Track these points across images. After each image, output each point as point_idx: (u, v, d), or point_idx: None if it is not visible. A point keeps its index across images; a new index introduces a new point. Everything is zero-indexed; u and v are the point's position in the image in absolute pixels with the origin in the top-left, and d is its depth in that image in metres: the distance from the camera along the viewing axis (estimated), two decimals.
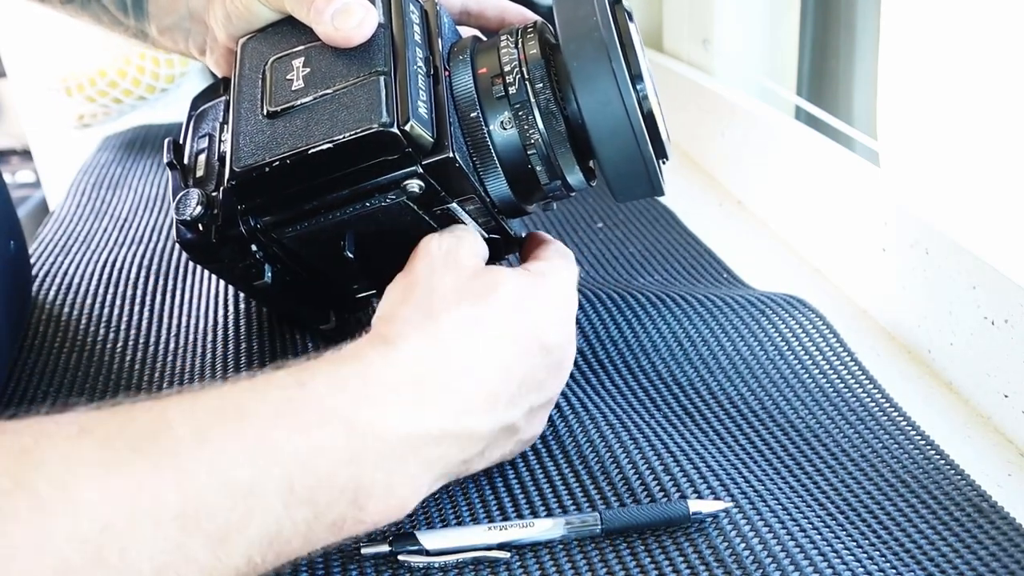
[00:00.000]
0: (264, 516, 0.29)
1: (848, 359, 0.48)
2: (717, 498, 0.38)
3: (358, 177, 0.39)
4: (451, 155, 0.38)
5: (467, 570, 0.37)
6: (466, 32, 0.47)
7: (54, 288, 0.60)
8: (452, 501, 0.40)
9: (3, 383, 0.49)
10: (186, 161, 0.46)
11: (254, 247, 0.42)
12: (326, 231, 0.41)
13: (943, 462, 0.41)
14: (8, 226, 0.53)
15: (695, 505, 0.37)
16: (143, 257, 0.63)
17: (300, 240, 0.41)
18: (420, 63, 0.40)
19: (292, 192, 0.40)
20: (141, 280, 0.60)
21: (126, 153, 0.88)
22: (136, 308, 0.57)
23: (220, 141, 0.44)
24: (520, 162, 0.41)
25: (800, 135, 0.63)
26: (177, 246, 0.47)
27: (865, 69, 0.74)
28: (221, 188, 0.42)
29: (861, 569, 0.35)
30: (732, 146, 0.73)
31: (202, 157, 0.44)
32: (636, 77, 0.39)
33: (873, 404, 0.45)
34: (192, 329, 0.54)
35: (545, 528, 0.37)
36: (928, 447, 0.42)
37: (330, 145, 0.37)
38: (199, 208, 0.41)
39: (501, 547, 0.37)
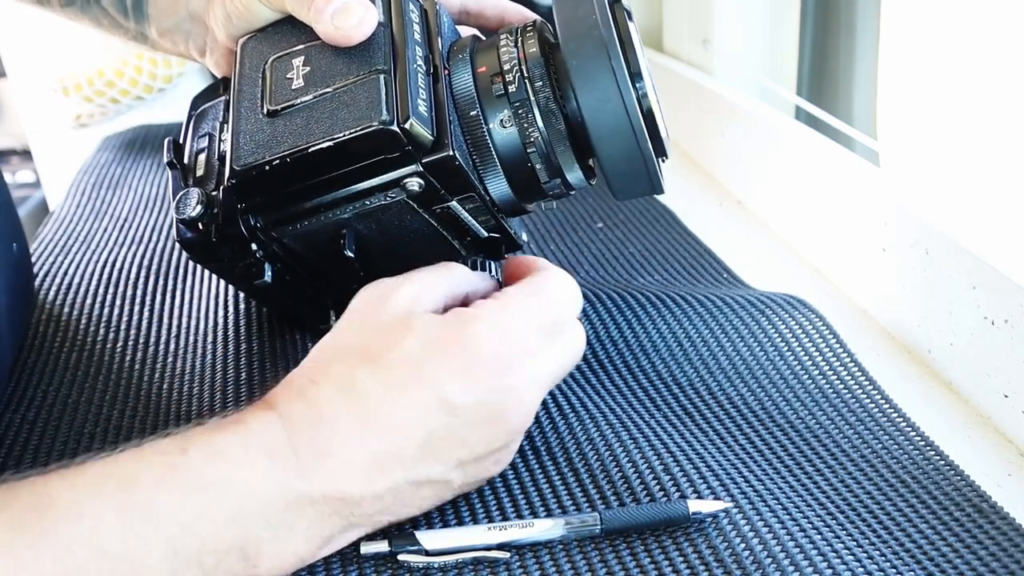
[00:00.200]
0: None
1: (848, 359, 0.48)
2: (717, 498, 0.38)
3: (358, 175, 0.39)
4: (451, 153, 0.38)
5: (467, 570, 0.37)
6: (465, 31, 0.47)
7: (54, 288, 0.60)
8: (452, 501, 0.40)
9: (4, 384, 0.49)
10: (186, 160, 0.46)
11: (254, 246, 0.42)
12: (326, 230, 0.41)
13: (943, 462, 0.41)
14: (10, 229, 0.53)
15: (695, 505, 0.37)
16: (143, 257, 0.63)
17: (300, 239, 0.41)
18: (420, 62, 0.40)
19: (292, 191, 0.40)
20: (141, 280, 0.60)
21: (126, 153, 0.88)
22: (136, 308, 0.57)
23: (220, 140, 0.44)
24: (520, 160, 0.41)
25: (800, 135, 0.63)
26: (177, 246, 0.47)
27: (865, 69, 0.75)
28: (221, 187, 0.42)
29: (861, 569, 0.35)
30: (732, 146, 0.73)
31: (202, 156, 0.44)
32: (635, 75, 0.39)
33: (873, 404, 0.45)
34: (192, 329, 0.54)
35: (545, 528, 0.37)
36: (928, 447, 0.42)
37: (330, 143, 0.37)
38: (199, 207, 0.41)
39: (501, 547, 0.37)
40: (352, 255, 0.41)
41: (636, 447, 0.41)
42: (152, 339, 0.54)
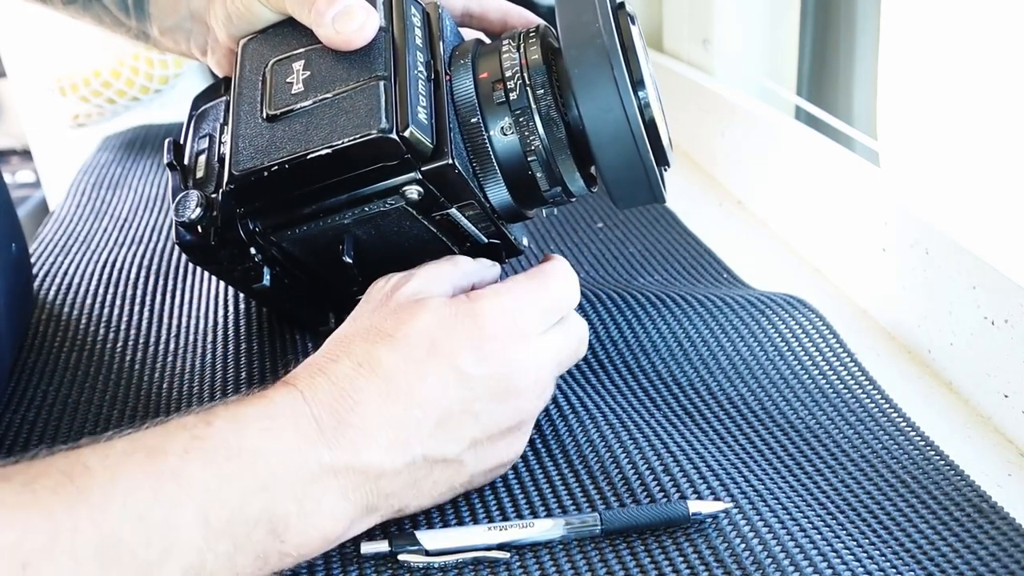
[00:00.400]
0: (184, 550, 0.30)
1: (848, 359, 0.48)
2: (717, 498, 0.38)
3: (357, 182, 0.39)
4: (450, 161, 0.38)
5: (467, 570, 0.37)
6: (469, 35, 0.47)
7: (54, 288, 0.60)
8: (452, 501, 0.40)
9: (4, 384, 0.49)
10: (186, 162, 0.46)
11: (253, 250, 0.42)
12: (325, 235, 0.41)
13: (943, 462, 0.42)
14: (9, 229, 0.53)
15: (695, 506, 0.37)
16: (143, 257, 0.63)
17: (299, 243, 0.41)
18: (421, 67, 0.40)
19: (291, 196, 0.39)
20: (141, 280, 0.60)
21: (126, 153, 0.88)
22: (136, 308, 0.57)
23: (220, 143, 0.44)
24: (520, 168, 0.41)
25: (800, 135, 0.63)
26: (177, 247, 0.47)
27: (865, 69, 0.75)
28: (220, 190, 0.42)
29: (861, 569, 0.35)
30: (732, 146, 0.73)
31: (202, 158, 0.44)
32: (638, 83, 0.39)
33: (873, 404, 0.45)
34: (192, 329, 0.54)
35: (545, 528, 0.37)
36: (928, 447, 0.42)
37: (329, 150, 0.37)
38: (198, 210, 0.41)
39: (501, 547, 0.37)
40: (351, 260, 0.41)
41: (636, 447, 0.41)
42: (152, 339, 0.54)
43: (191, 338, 0.53)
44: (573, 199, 0.44)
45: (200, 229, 0.42)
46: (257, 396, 0.35)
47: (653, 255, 0.63)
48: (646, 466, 0.40)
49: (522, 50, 0.41)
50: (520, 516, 0.39)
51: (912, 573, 0.36)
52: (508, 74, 0.40)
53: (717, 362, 0.49)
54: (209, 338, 0.53)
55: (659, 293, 0.53)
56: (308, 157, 0.37)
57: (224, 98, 0.47)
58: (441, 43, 0.42)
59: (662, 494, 0.39)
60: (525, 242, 0.48)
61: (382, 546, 0.37)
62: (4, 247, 0.51)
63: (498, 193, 0.42)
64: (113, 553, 0.29)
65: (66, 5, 0.51)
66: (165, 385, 0.49)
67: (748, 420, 0.45)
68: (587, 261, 0.62)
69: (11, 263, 0.52)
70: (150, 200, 0.75)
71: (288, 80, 0.40)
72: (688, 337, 0.50)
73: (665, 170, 0.42)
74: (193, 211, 0.41)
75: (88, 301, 0.58)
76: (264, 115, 0.39)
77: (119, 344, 0.54)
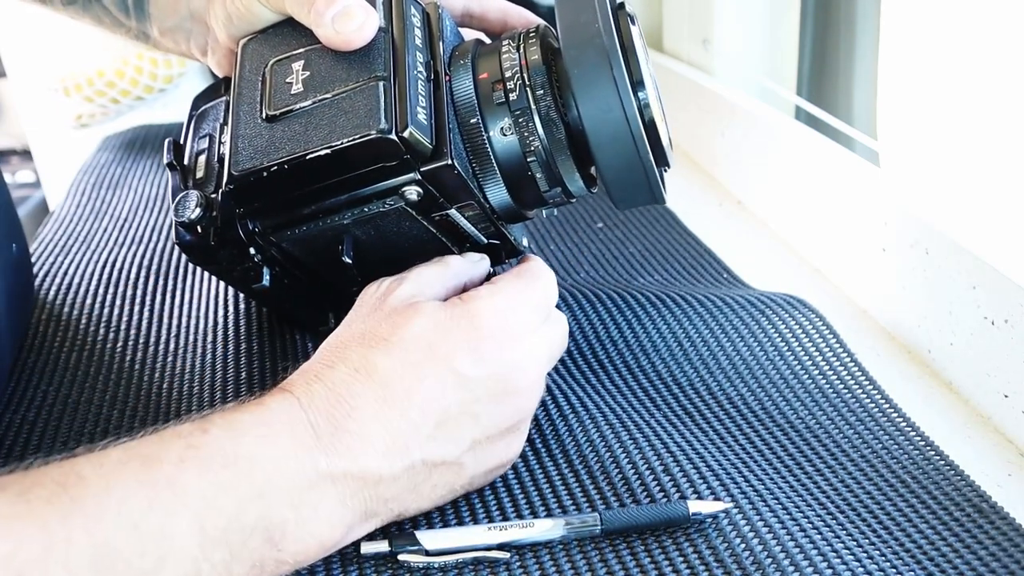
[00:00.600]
0: (180, 559, 0.30)
1: (848, 359, 0.48)
2: (717, 498, 0.38)
3: (356, 183, 0.39)
4: (450, 162, 0.38)
5: (467, 570, 0.37)
6: (469, 35, 0.47)
7: (54, 288, 0.60)
8: (452, 501, 0.40)
9: (4, 384, 0.49)
10: (186, 162, 0.45)
11: (252, 250, 0.42)
12: (324, 235, 0.41)
13: (943, 462, 0.42)
14: (10, 229, 0.53)
15: (695, 506, 0.37)
16: (143, 257, 0.63)
17: (298, 244, 0.41)
18: (420, 68, 0.40)
19: (290, 196, 0.39)
20: (141, 280, 0.60)
21: (126, 153, 0.88)
22: (136, 308, 0.57)
23: (220, 143, 0.44)
24: (520, 169, 0.41)
25: (800, 135, 0.63)
26: (177, 247, 0.47)
27: (865, 69, 0.75)
28: (220, 191, 0.42)
29: (861, 569, 0.35)
30: (732, 146, 0.73)
31: (202, 158, 0.44)
32: (638, 84, 0.39)
33: (873, 404, 0.45)
34: (192, 329, 0.54)
35: (545, 528, 0.37)
36: (928, 447, 0.42)
37: (328, 151, 0.37)
38: (198, 210, 0.41)
39: (501, 547, 0.37)
40: (350, 261, 0.41)
41: (636, 447, 0.41)
42: (152, 339, 0.54)
43: (191, 338, 0.53)
44: (573, 200, 0.44)
45: (200, 229, 0.42)
46: (253, 403, 0.35)
47: (653, 255, 0.63)
48: (646, 466, 0.40)
49: (522, 50, 0.41)
50: (520, 516, 0.39)
51: (912, 573, 0.36)
52: (508, 74, 0.40)
53: (717, 362, 0.49)
54: (209, 338, 0.53)
55: (659, 293, 0.53)
56: (307, 157, 0.37)
57: (224, 98, 0.47)
58: (441, 43, 0.42)
59: (662, 494, 0.39)
60: (525, 242, 0.47)
61: (382, 546, 0.37)
62: (4, 247, 0.51)
63: (497, 194, 0.42)
64: (108, 563, 0.28)
65: (66, 6, 0.51)
66: (165, 385, 0.49)
67: (748, 420, 0.45)
68: (587, 261, 0.62)
69: (11, 263, 0.52)
70: (150, 200, 0.75)
71: (288, 80, 0.40)
72: (688, 337, 0.50)
73: (665, 170, 0.42)
74: (193, 211, 0.41)
75: (88, 301, 0.58)
76: (263, 115, 0.39)
77: (119, 344, 0.54)
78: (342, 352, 0.37)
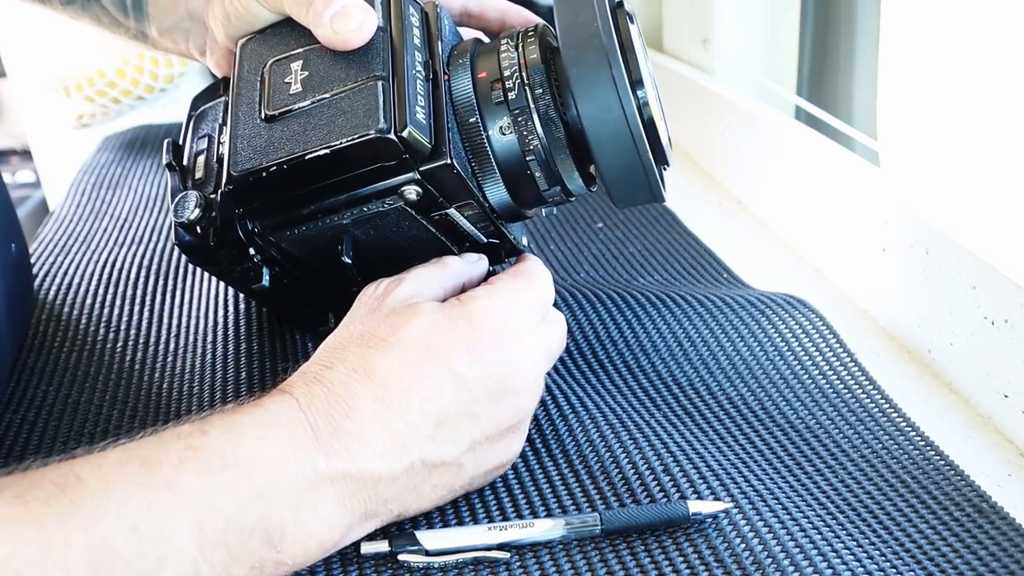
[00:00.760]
0: (178, 561, 0.30)
1: (848, 359, 0.48)
2: (717, 498, 0.38)
3: (355, 183, 0.39)
4: (449, 161, 0.38)
5: (467, 570, 0.37)
6: (467, 34, 0.47)
7: (54, 288, 0.60)
8: (452, 501, 0.40)
9: (4, 384, 0.49)
10: (185, 162, 0.45)
11: (252, 250, 0.42)
12: (324, 235, 0.41)
13: (943, 462, 0.41)
14: (9, 229, 0.53)
15: (695, 506, 0.37)
16: (143, 257, 0.63)
17: (298, 244, 0.41)
18: (419, 67, 0.40)
19: (289, 196, 0.39)
20: (141, 280, 0.60)
21: (126, 153, 0.88)
22: (136, 308, 0.57)
23: (219, 143, 0.44)
24: (519, 168, 0.41)
25: (800, 135, 0.63)
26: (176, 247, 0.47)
27: (865, 69, 0.75)
28: (219, 191, 0.42)
29: (861, 569, 0.35)
30: (732, 146, 0.73)
31: (201, 158, 0.44)
32: (637, 83, 0.39)
33: (873, 404, 0.45)
34: (192, 329, 0.54)
35: (545, 528, 0.37)
36: (928, 447, 0.42)
37: (327, 151, 0.37)
38: (197, 211, 0.41)
39: (501, 547, 0.37)
40: (350, 261, 0.41)
41: (636, 447, 0.41)
42: (152, 339, 0.54)
43: (191, 338, 0.53)
44: (572, 198, 0.44)
45: (199, 230, 0.42)
46: (252, 404, 0.35)
47: (653, 255, 0.63)
48: (646, 466, 0.40)
49: (521, 49, 0.41)
50: (520, 516, 0.39)
51: (912, 573, 0.36)
52: (507, 73, 0.40)
53: (717, 362, 0.49)
54: (209, 338, 0.53)
55: (659, 293, 0.53)
56: (306, 157, 0.37)
57: (223, 98, 0.47)
58: (439, 42, 0.42)
59: (662, 494, 0.39)
60: (525, 242, 0.47)
61: (382, 546, 0.37)
62: (4, 247, 0.51)
63: (497, 193, 0.42)
64: (106, 564, 0.28)
65: (64, 6, 0.51)
66: (165, 385, 0.49)
67: (748, 420, 0.45)
68: (587, 261, 0.62)
69: (11, 263, 0.52)
70: (150, 200, 0.75)
71: (286, 80, 0.40)
72: (688, 337, 0.50)
73: (665, 169, 0.42)
74: (192, 212, 0.41)
75: (88, 301, 0.58)
76: (262, 115, 0.39)
77: (119, 344, 0.54)
78: (341, 353, 0.37)
